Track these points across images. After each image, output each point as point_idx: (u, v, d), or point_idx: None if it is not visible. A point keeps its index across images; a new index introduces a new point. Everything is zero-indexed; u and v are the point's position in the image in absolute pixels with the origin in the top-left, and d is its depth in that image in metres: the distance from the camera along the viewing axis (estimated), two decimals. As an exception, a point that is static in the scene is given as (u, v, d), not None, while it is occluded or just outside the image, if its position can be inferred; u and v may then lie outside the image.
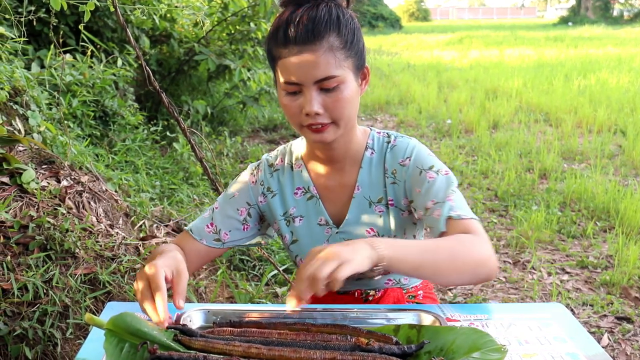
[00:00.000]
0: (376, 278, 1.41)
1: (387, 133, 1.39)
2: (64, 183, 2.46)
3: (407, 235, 1.38)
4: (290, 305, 1.03)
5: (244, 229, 1.42)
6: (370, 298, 1.45)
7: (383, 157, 1.35)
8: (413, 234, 1.39)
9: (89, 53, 3.98)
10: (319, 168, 1.38)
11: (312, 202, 1.39)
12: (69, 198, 2.39)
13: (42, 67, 3.65)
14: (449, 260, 1.13)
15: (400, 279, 1.45)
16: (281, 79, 1.20)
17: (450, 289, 3.03)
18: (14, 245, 2.08)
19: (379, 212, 1.35)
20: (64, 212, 2.28)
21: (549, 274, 3.17)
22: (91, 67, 3.95)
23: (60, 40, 3.83)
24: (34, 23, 3.12)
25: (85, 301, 2.06)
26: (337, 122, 1.21)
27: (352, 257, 1.02)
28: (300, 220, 1.40)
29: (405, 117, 7.51)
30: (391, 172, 1.34)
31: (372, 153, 1.36)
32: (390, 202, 1.35)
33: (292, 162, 1.42)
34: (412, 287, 1.49)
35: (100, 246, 2.28)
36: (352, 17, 1.22)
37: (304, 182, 1.39)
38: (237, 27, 5.23)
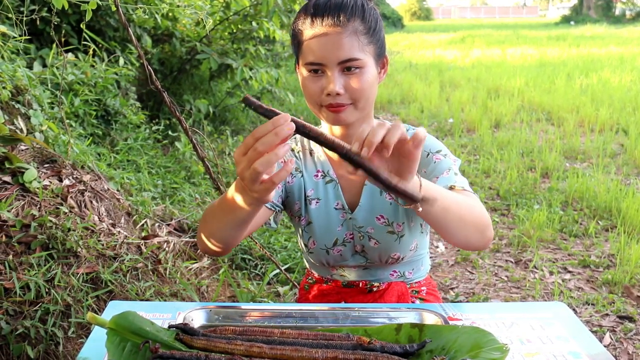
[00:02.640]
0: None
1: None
2: (66, 182, 2.46)
3: (413, 222, 1.41)
4: (354, 148, 0.92)
5: (278, 200, 1.41)
6: (375, 289, 1.47)
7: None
8: (420, 222, 1.43)
9: (90, 52, 3.98)
10: (336, 155, 1.39)
11: (331, 185, 1.42)
12: (71, 197, 2.39)
13: (44, 66, 3.66)
14: (469, 213, 1.14)
15: (405, 272, 1.47)
16: (305, 60, 1.26)
17: (451, 288, 3.03)
18: (16, 244, 2.09)
19: (389, 199, 1.39)
20: (66, 211, 2.28)
21: (551, 273, 3.16)
22: (93, 66, 3.95)
23: (62, 39, 3.84)
24: (36, 22, 3.12)
25: (87, 300, 2.07)
26: (356, 103, 1.26)
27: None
28: (317, 202, 1.43)
29: (408, 116, 7.50)
30: None
31: None
32: None
33: (310, 148, 1.47)
34: (415, 282, 1.51)
35: (102, 245, 2.28)
36: (374, 8, 1.29)
37: (323, 166, 1.44)
38: (239, 26, 5.23)
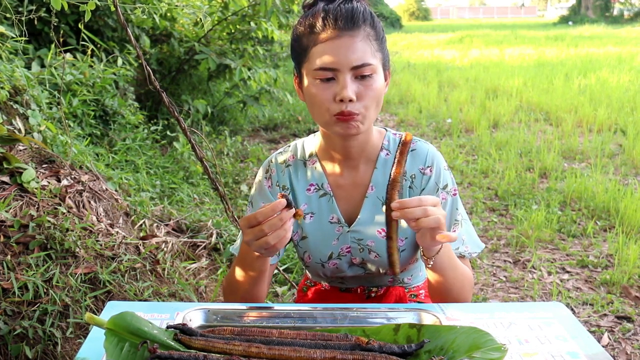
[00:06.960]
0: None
1: (402, 134, 1.39)
2: (64, 182, 2.46)
3: (412, 239, 1.38)
4: (394, 204, 1.10)
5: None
6: (373, 295, 1.46)
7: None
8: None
9: (89, 52, 3.98)
10: (333, 165, 1.38)
11: (325, 199, 1.37)
12: (69, 197, 2.39)
13: (43, 66, 3.65)
14: (459, 287, 1.29)
15: (404, 278, 1.45)
16: (313, 66, 1.19)
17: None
18: (14, 244, 2.08)
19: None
20: (64, 211, 2.28)
21: (549, 273, 3.17)
22: (91, 66, 3.95)
23: (61, 40, 3.83)
24: (35, 22, 3.12)
25: (85, 300, 2.07)
26: (366, 112, 1.21)
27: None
28: (311, 217, 1.38)
29: (406, 117, 7.51)
30: (410, 176, 1.35)
31: (387, 154, 1.36)
32: None
33: (305, 158, 1.40)
34: (414, 287, 1.50)
35: (101, 245, 2.28)
36: (378, 19, 1.27)
37: (318, 178, 1.38)
38: (238, 26, 5.23)
